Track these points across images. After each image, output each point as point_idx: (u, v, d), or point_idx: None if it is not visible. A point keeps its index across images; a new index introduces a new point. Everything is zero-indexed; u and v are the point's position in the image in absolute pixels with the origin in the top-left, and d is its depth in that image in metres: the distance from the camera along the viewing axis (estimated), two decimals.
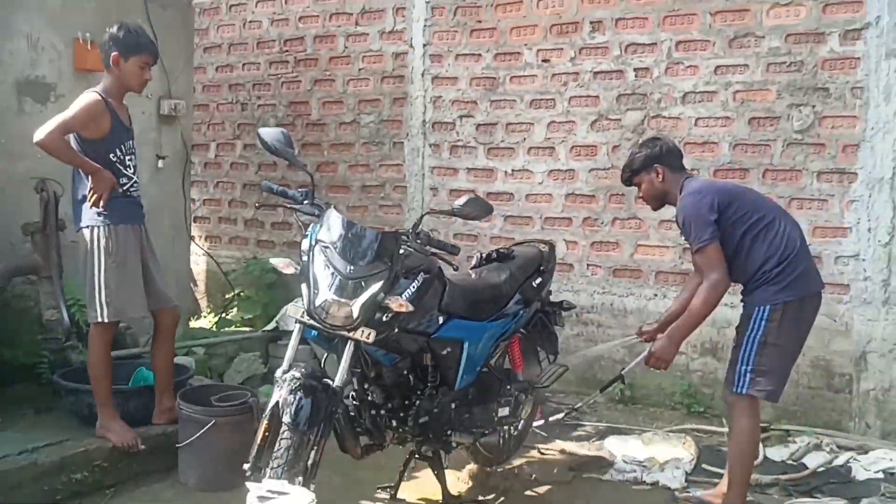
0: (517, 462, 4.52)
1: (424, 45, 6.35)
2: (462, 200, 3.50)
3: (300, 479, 2.96)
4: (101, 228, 3.88)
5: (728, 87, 5.27)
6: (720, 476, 4.35)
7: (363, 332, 3.14)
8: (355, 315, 3.12)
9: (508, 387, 4.05)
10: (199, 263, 7.30)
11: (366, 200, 6.74)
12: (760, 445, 4.69)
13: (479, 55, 6.13)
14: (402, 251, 3.35)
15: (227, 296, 6.96)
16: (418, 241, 3.43)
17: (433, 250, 3.53)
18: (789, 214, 3.84)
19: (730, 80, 5.26)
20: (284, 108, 7.13)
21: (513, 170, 6.05)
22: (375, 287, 3.16)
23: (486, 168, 6.17)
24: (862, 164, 4.89)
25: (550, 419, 5.15)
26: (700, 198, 3.62)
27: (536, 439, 4.92)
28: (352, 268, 3.18)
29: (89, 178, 3.87)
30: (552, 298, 4.52)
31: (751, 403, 3.67)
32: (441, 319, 3.62)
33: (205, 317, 6.88)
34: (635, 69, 5.56)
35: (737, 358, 3.64)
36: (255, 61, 7.26)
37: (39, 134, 3.75)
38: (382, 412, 3.50)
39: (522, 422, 4.45)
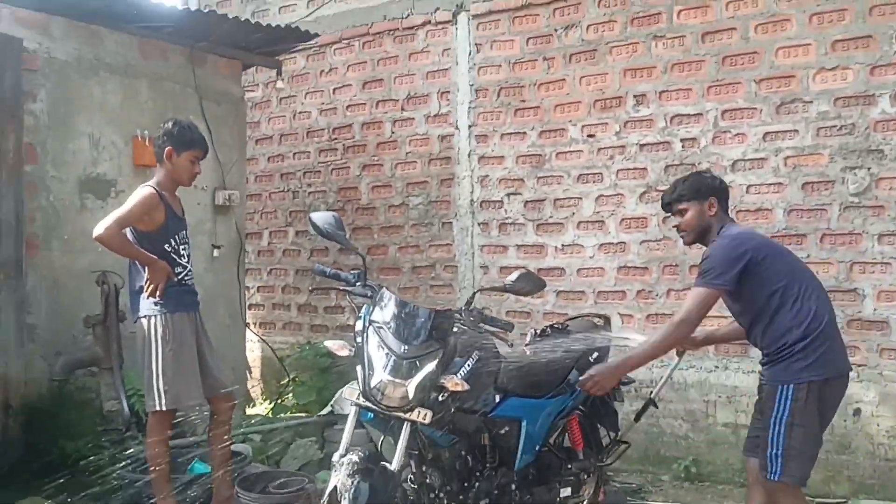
0: None
1: (470, 127, 6.46)
2: (514, 276, 3.46)
3: None
4: (158, 318, 3.94)
5: (778, 152, 5.22)
6: None
7: (419, 412, 3.09)
8: (410, 395, 3.08)
9: (569, 466, 3.93)
10: (254, 350, 7.36)
11: (417, 281, 6.76)
12: None
13: (525, 133, 6.20)
14: (455, 329, 3.32)
15: (281, 382, 6.98)
16: (472, 319, 3.40)
17: (487, 328, 3.48)
18: (822, 288, 3.50)
19: (779, 146, 5.22)
20: (334, 194, 7.27)
21: (563, 245, 6.03)
22: (430, 366, 3.13)
23: (536, 244, 6.17)
24: None
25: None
26: (737, 244, 3.39)
27: None
28: (406, 347, 3.16)
29: (146, 269, 3.95)
30: None
31: (793, 489, 3.42)
32: (497, 398, 3.57)
33: (260, 404, 6.90)
34: (682, 139, 5.55)
35: (766, 441, 3.36)
36: (305, 150, 7.45)
37: (98, 229, 3.85)
38: (441, 495, 3.42)
39: (585, 502, 4.31)
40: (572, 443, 4.09)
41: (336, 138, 7.25)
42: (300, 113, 7.50)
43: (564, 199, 6.04)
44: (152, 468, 3.94)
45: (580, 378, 3.67)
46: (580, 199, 5.97)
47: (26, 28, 4.69)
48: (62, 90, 4.85)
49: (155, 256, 3.96)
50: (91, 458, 4.71)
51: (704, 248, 3.57)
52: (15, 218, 4.48)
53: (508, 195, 6.30)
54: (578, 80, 5.97)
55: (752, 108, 5.31)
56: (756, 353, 5.16)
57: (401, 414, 3.11)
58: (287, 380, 6.78)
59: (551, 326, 4.19)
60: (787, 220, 5.20)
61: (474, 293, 3.68)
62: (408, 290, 6.79)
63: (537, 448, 3.78)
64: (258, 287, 7.77)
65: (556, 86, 6.07)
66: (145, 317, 3.98)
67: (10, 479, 4.45)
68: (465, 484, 3.48)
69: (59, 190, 4.86)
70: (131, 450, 4.57)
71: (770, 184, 5.26)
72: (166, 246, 4.04)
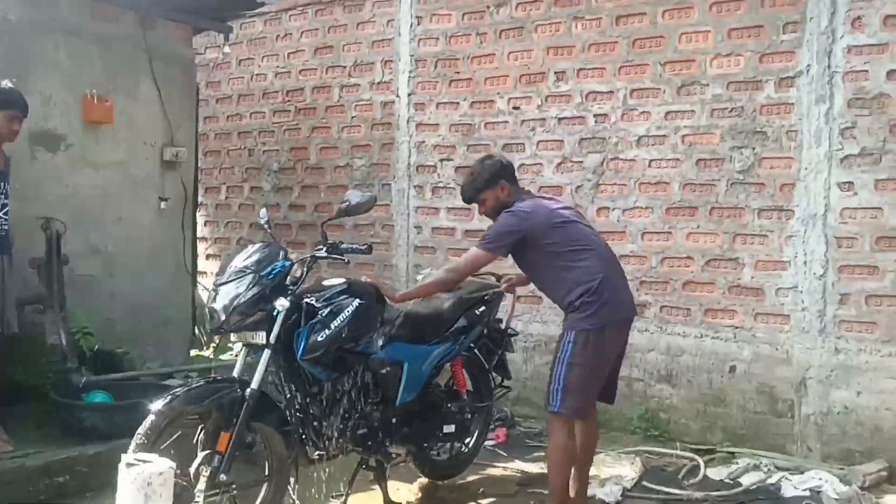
0: (470, 478, 4.89)
1: (409, 95, 6.88)
2: (345, 201, 4.03)
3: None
4: None
5: (677, 131, 5.67)
6: (659, 493, 4.69)
7: (255, 335, 3.66)
8: (222, 316, 3.62)
9: (449, 405, 4.45)
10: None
11: (358, 238, 7.20)
12: (702, 464, 5.03)
13: (458, 103, 6.63)
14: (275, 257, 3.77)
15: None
16: (333, 250, 3.92)
17: (347, 253, 3.97)
18: (604, 248, 4.08)
19: (678, 124, 5.66)
20: (286, 153, 7.71)
21: None
22: (234, 288, 3.64)
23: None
24: (797, 201, 5.23)
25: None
26: (513, 222, 3.92)
27: (499, 458, 5.30)
28: (221, 277, 3.75)
29: None
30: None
31: (565, 421, 3.94)
32: (381, 342, 4.06)
33: (207, 348, 7.40)
34: (595, 115, 5.99)
35: (550, 377, 3.92)
36: (260, 111, 7.87)
37: None
38: (325, 424, 3.93)
39: (473, 440, 4.82)
40: (456, 385, 4.61)
41: (289, 100, 7.67)
42: (257, 75, 7.90)
43: None
44: None
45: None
46: None
47: None
48: (14, 49, 5.26)
49: None
50: (38, 385, 5.24)
51: None
52: None
53: (441, 161, 6.75)
54: (507, 55, 6.39)
55: (656, 88, 5.75)
56: (651, 313, 5.72)
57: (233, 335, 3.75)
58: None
59: None
60: (681, 194, 5.66)
61: (322, 225, 4.17)
62: None
63: (420, 387, 4.29)
64: (215, 238, 8.25)
65: (487, 60, 6.49)
66: None
67: None
68: (346, 415, 3.99)
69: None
70: (72, 380, 5.10)
71: (669, 159, 5.71)
72: None
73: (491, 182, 4.09)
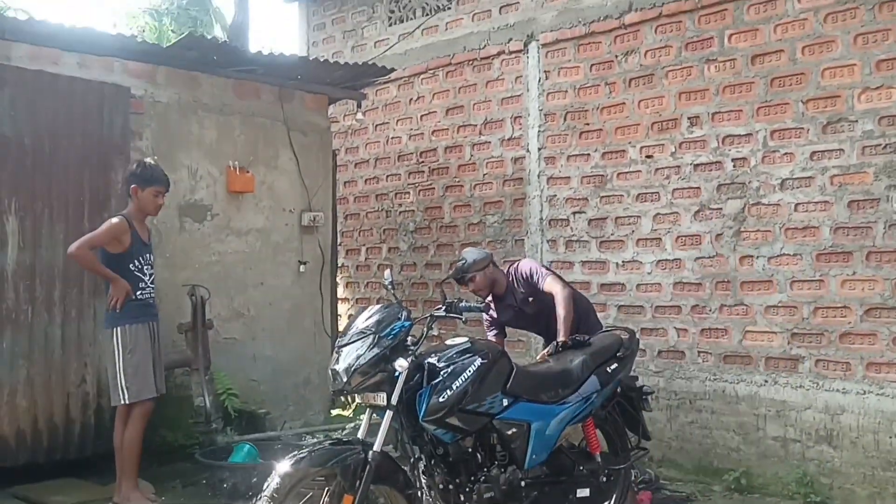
0: None
1: (539, 149, 6.84)
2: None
3: None
4: (119, 329, 4.68)
5: (825, 171, 5.30)
6: None
7: (376, 396, 3.64)
8: (343, 378, 3.59)
9: (582, 468, 4.25)
10: None
11: None
12: None
13: (588, 155, 6.52)
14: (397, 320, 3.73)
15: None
16: (452, 310, 3.93)
17: (466, 313, 3.98)
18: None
19: (826, 164, 5.30)
20: (421, 213, 7.82)
21: (623, 261, 6.30)
22: (353, 350, 3.62)
23: (599, 260, 6.46)
24: None
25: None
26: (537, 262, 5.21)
27: None
28: (343, 339, 3.74)
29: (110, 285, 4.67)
30: (640, 384, 4.68)
31: None
32: (505, 402, 3.96)
33: (347, 407, 7.51)
34: (733, 159, 5.72)
35: None
36: (396, 172, 8.06)
37: (72, 247, 4.58)
38: (450, 487, 3.84)
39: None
40: (589, 446, 4.40)
41: (423, 161, 7.81)
42: (392, 138, 8.11)
43: (625, 217, 6.31)
44: (128, 452, 4.68)
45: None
46: (639, 217, 6.22)
47: (134, 77, 5.51)
48: (164, 129, 5.66)
49: (116, 275, 4.63)
50: (186, 445, 5.48)
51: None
52: None
53: (574, 214, 6.63)
54: (637, 103, 6.23)
55: (799, 128, 5.42)
56: (805, 368, 5.33)
57: (355, 395, 3.74)
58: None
59: (573, 338, 4.53)
60: (833, 238, 5.26)
61: (440, 284, 4.40)
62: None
63: (550, 449, 4.13)
64: (356, 299, 8.43)
65: (617, 109, 6.36)
66: (111, 328, 4.69)
67: None
68: (472, 478, 3.89)
69: (163, 215, 5.59)
70: (217, 440, 5.29)
71: (817, 202, 5.34)
72: (131, 265, 4.70)
73: (481, 265, 5.11)
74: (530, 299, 5.08)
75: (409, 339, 3.79)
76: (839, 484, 5.20)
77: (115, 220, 4.72)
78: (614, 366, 4.42)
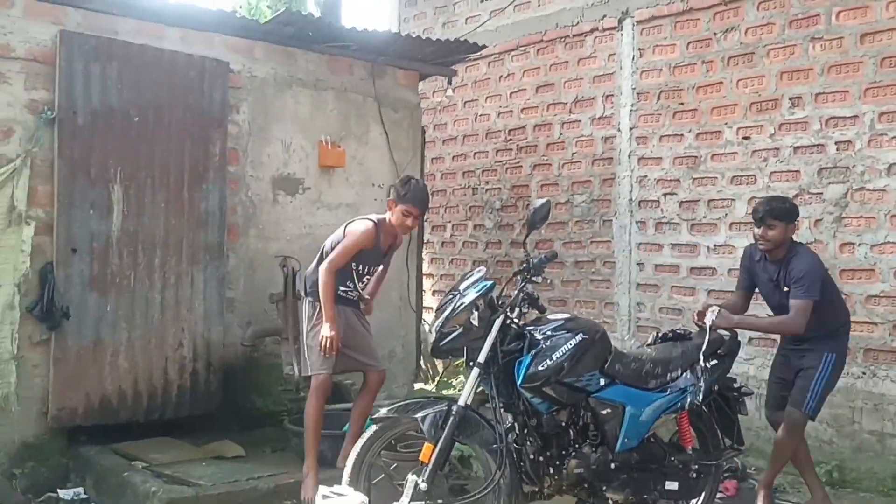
0: None
1: (631, 129, 6.72)
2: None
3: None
4: (309, 303, 4.67)
5: None
6: None
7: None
8: (437, 325, 3.80)
9: (673, 459, 4.19)
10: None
11: (578, 275, 7.13)
12: None
13: (682, 135, 6.37)
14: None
15: (455, 363, 7.63)
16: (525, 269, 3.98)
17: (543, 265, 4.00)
18: None
19: None
20: (508, 191, 7.80)
21: (715, 245, 6.16)
22: (458, 303, 3.81)
23: (690, 244, 6.33)
24: None
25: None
26: (818, 261, 4.53)
27: None
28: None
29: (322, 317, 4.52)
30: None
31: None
32: (602, 381, 3.95)
33: (430, 381, 7.59)
34: (836, 142, 5.50)
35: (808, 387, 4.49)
36: (484, 150, 8.05)
37: (326, 264, 4.50)
38: (541, 458, 3.87)
39: (700, 502, 4.47)
40: (681, 440, 4.33)
41: (511, 139, 7.77)
42: (481, 115, 8.10)
43: (718, 199, 6.15)
44: (306, 426, 4.62)
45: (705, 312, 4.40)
46: (733, 200, 6.06)
47: (233, 52, 5.63)
48: (260, 103, 5.77)
49: (332, 317, 4.46)
50: (276, 412, 5.64)
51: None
52: (219, 209, 5.44)
53: (665, 195, 6.50)
54: (735, 83, 6.05)
55: None
56: None
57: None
58: (455, 362, 7.41)
59: (673, 331, 4.47)
60: None
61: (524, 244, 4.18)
62: (569, 283, 7.19)
63: (642, 436, 4.09)
64: (441, 275, 8.49)
65: (714, 89, 6.19)
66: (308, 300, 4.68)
67: (211, 423, 5.42)
68: (563, 452, 3.90)
69: (256, 187, 5.78)
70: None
71: None
72: (353, 264, 4.59)
73: (791, 216, 4.53)
74: (786, 288, 4.53)
75: (504, 304, 3.87)
76: None
77: (368, 224, 4.59)
78: (714, 362, 4.33)
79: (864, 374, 5.34)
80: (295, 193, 5.98)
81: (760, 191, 5.87)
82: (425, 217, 8.22)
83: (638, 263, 6.68)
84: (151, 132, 5.18)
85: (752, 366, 5.88)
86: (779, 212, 4.43)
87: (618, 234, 6.83)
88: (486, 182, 8.01)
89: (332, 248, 4.62)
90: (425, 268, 8.34)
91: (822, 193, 5.56)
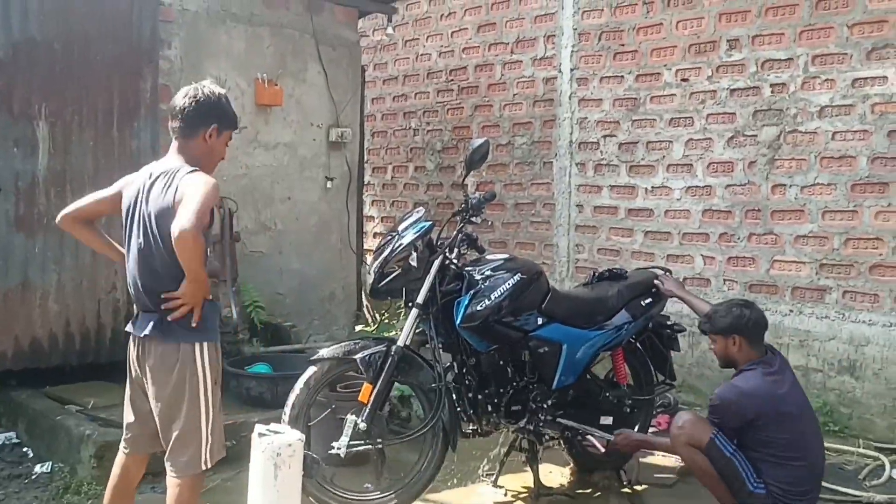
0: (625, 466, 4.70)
1: (572, 70, 6.70)
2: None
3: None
4: (204, 347, 3.06)
5: (866, 99, 5.16)
6: (836, 493, 4.32)
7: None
8: (373, 275, 3.81)
9: (608, 395, 4.29)
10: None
11: (518, 217, 7.16)
12: (887, 465, 4.60)
13: (622, 77, 6.38)
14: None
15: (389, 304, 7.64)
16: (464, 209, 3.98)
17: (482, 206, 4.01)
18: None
19: (868, 92, 5.15)
20: (449, 132, 7.74)
21: (652, 186, 6.23)
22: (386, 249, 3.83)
23: (628, 185, 6.39)
24: None
25: None
26: (743, 403, 3.63)
27: None
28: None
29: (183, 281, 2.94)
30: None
31: None
32: (540, 320, 3.99)
33: (368, 325, 7.59)
34: (771, 85, 5.57)
35: None
36: (425, 91, 7.95)
37: (187, 224, 2.76)
38: (479, 397, 3.92)
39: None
40: (616, 376, 4.44)
41: (452, 80, 7.69)
42: (422, 55, 7.98)
43: (656, 142, 6.21)
44: None
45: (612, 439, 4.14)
46: (671, 142, 6.12)
47: None
48: (193, 38, 5.58)
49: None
50: None
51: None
52: (151, 148, 5.26)
53: (605, 137, 6.53)
54: (675, 24, 6.06)
55: (842, 53, 5.25)
56: (832, 298, 5.29)
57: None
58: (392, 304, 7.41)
59: (610, 271, 4.53)
60: (870, 168, 5.15)
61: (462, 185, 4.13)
62: (510, 225, 7.22)
63: (578, 373, 4.17)
64: (382, 217, 8.44)
65: (654, 30, 6.19)
66: (188, 343, 2.97)
67: None
68: (502, 391, 3.96)
69: None
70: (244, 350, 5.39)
71: (856, 131, 5.21)
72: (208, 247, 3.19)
73: (725, 331, 3.78)
74: None
75: (443, 246, 3.88)
76: (859, 414, 5.23)
77: (211, 179, 2.97)
78: (648, 300, 4.41)
79: (791, 311, 5.51)
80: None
81: (697, 133, 5.94)
82: (366, 159, 8.17)
83: (577, 205, 6.74)
84: (78, 67, 4.97)
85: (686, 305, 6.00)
86: (711, 326, 3.86)
87: (558, 176, 6.86)
88: (427, 123, 7.94)
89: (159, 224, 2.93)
90: (366, 210, 8.28)
91: (756, 136, 5.65)
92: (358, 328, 7.03)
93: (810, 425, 3.78)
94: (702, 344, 5.93)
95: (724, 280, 5.86)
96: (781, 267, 5.58)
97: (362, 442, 3.63)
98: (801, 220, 5.44)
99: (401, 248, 3.78)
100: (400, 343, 3.72)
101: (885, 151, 5.09)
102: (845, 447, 4.94)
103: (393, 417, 4.77)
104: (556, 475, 4.49)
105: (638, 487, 4.40)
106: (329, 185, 6.43)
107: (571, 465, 4.54)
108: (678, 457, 4.13)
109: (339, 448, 3.58)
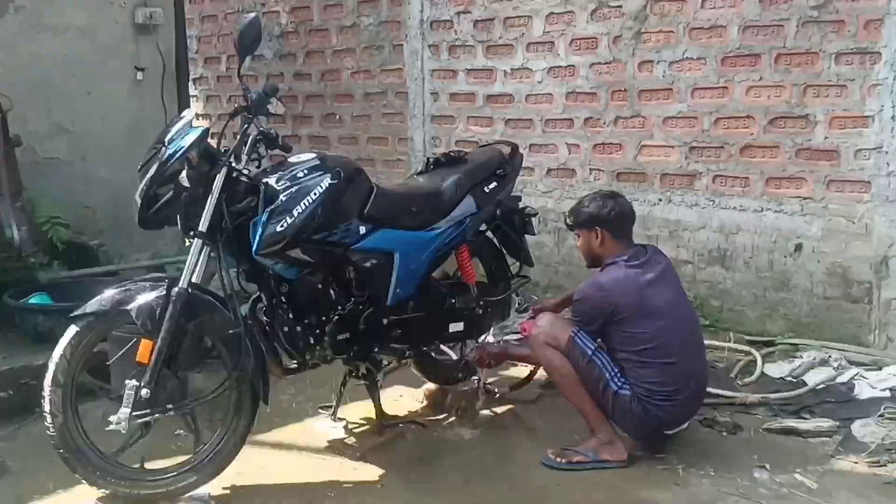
0: (488, 380, 4.24)
1: None
2: None
3: None
4: None
5: None
6: (707, 394, 3.97)
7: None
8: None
9: (454, 300, 3.74)
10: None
11: (369, 109, 6.44)
12: (759, 360, 4.33)
13: None
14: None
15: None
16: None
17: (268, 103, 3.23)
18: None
19: None
20: (287, 14, 6.85)
21: (512, 69, 5.61)
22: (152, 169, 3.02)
23: (486, 68, 5.76)
24: (886, 41, 4.23)
25: None
26: (602, 296, 3.31)
27: None
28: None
29: None
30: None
31: None
32: (363, 229, 3.34)
33: None
34: None
35: None
36: None
37: None
38: (298, 329, 3.27)
39: (489, 337, 4.14)
40: (463, 276, 3.88)
41: None
42: None
43: (514, 17, 5.56)
44: None
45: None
46: (530, 17, 5.48)
47: None
48: None
49: None
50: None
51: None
52: None
53: (458, 14, 5.83)
54: None
55: None
56: (701, 185, 4.91)
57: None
58: None
59: (446, 154, 3.90)
60: (741, 39, 4.68)
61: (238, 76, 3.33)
62: (359, 118, 6.51)
63: (417, 282, 3.58)
64: (218, 115, 7.51)
65: None
66: None
67: None
68: (324, 318, 3.32)
69: None
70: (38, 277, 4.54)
71: None
72: None
73: (587, 223, 3.46)
74: None
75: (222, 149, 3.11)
76: (730, 306, 4.93)
77: None
78: (493, 185, 3.84)
79: (660, 200, 5.10)
80: (3, 14, 4.80)
81: (558, 6, 5.32)
82: (196, 48, 7.19)
83: (432, 93, 6.06)
84: None
85: (551, 199, 5.53)
86: (573, 220, 3.54)
87: (409, 61, 6.13)
88: (263, 4, 6.99)
89: None
90: (199, 107, 7.34)
91: (621, 6, 5.07)
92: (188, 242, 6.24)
93: (682, 322, 3.42)
94: (568, 240, 5.48)
95: (591, 170, 5.37)
96: (650, 152, 5.13)
97: (148, 412, 2.88)
98: (669, 100, 4.97)
99: (168, 164, 2.99)
100: (183, 284, 2.94)
101: (758, 19, 4.62)
102: (717, 342, 4.64)
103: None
104: (406, 399, 3.97)
105: (498, 409, 3.94)
106: (140, 76, 5.49)
107: (429, 385, 4.03)
108: (539, 365, 3.73)
109: (118, 422, 2.84)
